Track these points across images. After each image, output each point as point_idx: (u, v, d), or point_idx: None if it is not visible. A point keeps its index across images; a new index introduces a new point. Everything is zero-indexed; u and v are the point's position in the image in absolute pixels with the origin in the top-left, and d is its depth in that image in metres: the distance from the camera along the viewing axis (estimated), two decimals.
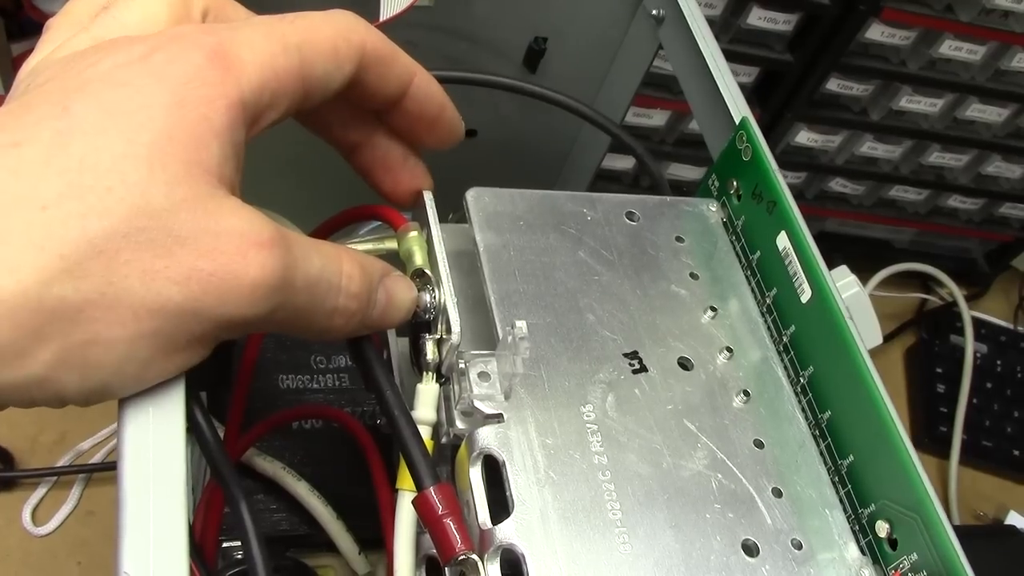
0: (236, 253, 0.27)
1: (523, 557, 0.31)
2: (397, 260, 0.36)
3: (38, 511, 0.70)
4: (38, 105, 0.27)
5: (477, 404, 0.34)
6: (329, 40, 0.31)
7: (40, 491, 0.71)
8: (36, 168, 0.25)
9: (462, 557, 0.30)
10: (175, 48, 0.28)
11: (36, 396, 0.26)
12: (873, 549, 0.36)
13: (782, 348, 0.40)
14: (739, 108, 0.45)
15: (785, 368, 0.40)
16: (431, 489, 0.31)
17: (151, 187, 0.26)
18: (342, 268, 0.31)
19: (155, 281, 0.26)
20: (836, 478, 0.37)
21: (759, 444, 0.36)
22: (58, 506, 0.71)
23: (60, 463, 0.73)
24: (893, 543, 0.35)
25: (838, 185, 0.95)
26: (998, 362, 1.01)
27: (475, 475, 0.33)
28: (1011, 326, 1.06)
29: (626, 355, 0.37)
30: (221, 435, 0.44)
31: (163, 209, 0.26)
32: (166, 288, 0.26)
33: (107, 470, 0.73)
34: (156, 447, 0.28)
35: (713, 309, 0.40)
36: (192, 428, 0.30)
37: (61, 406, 0.27)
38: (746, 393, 0.38)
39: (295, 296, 0.29)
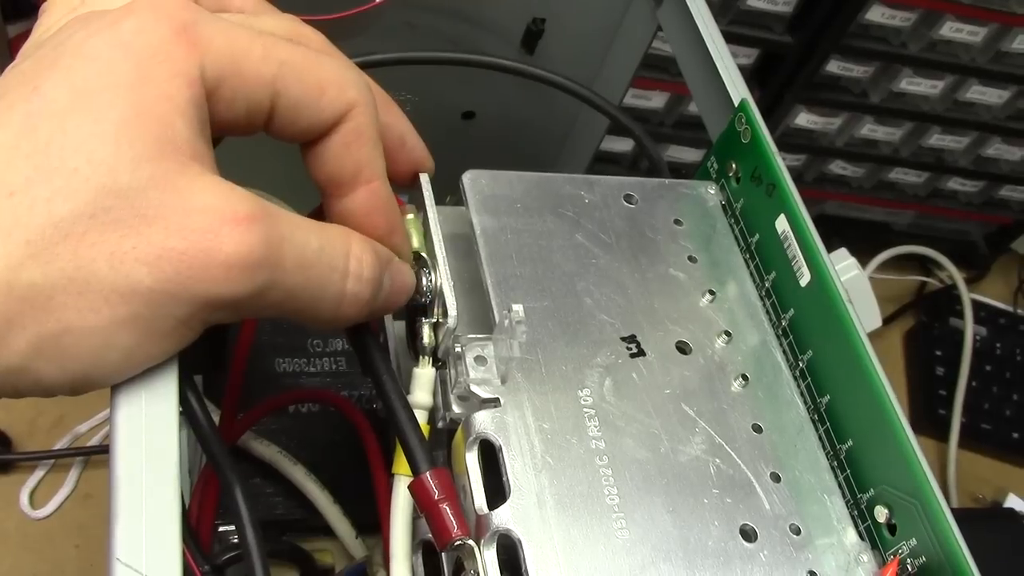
0: (207, 230, 0.26)
1: (520, 542, 0.31)
2: None
3: (36, 494, 0.70)
4: (12, 87, 0.27)
5: (473, 388, 0.34)
6: (319, 79, 0.30)
7: (38, 474, 0.71)
8: (5, 153, 0.25)
9: (458, 542, 0.30)
10: (145, 16, 0.27)
11: (18, 386, 0.26)
12: (872, 534, 0.36)
13: (781, 332, 0.40)
14: (738, 90, 0.45)
15: (784, 352, 0.39)
16: (427, 474, 0.31)
17: (117, 165, 0.25)
18: (350, 250, 0.30)
19: (123, 264, 0.25)
20: (835, 463, 0.37)
21: (757, 429, 0.36)
22: (56, 489, 0.71)
23: (58, 446, 0.72)
24: (892, 528, 0.35)
25: (838, 167, 0.95)
26: (997, 345, 1.01)
27: (471, 460, 0.33)
28: (1011, 309, 1.06)
29: (624, 339, 0.37)
30: (216, 419, 0.44)
31: (130, 188, 0.26)
32: (135, 270, 0.25)
33: (105, 453, 0.72)
34: (149, 431, 0.28)
35: (711, 292, 0.40)
36: (185, 412, 0.30)
37: (48, 396, 0.27)
38: (744, 377, 0.37)
39: (285, 276, 0.28)
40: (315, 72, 0.30)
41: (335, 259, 0.30)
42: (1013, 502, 0.90)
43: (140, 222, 0.26)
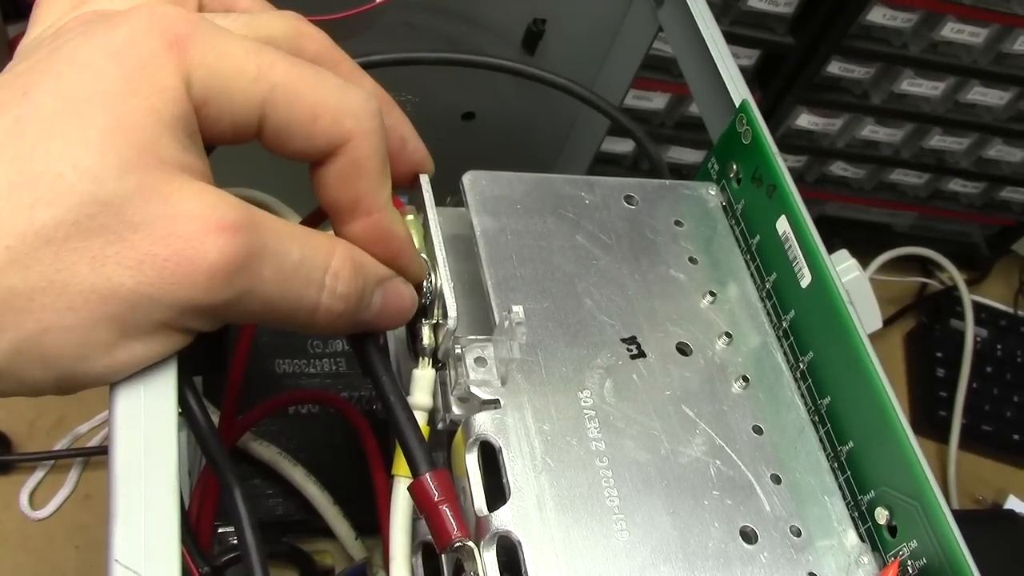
0: (193, 238, 0.26)
1: (519, 544, 0.31)
2: None
3: (36, 495, 0.70)
4: (4, 90, 0.27)
5: (473, 390, 0.34)
6: (314, 105, 0.29)
7: (38, 475, 0.71)
8: None
9: (458, 544, 0.30)
10: (141, 25, 0.27)
11: (4, 388, 0.26)
12: (872, 536, 0.36)
13: (781, 333, 0.40)
14: (739, 91, 0.44)
15: (784, 353, 0.39)
16: (427, 475, 0.31)
17: (103, 173, 0.25)
18: (329, 264, 0.30)
19: (105, 266, 0.25)
20: (835, 464, 0.37)
21: (758, 430, 0.36)
22: (56, 490, 0.70)
23: (58, 447, 0.72)
24: (892, 530, 0.35)
25: (839, 169, 0.95)
26: (998, 346, 1.00)
27: (471, 461, 0.33)
28: (1011, 310, 1.05)
29: (624, 340, 0.37)
30: (216, 420, 0.44)
31: (115, 195, 0.25)
32: (117, 273, 0.25)
33: (105, 454, 0.72)
34: (147, 432, 0.27)
35: (712, 294, 0.40)
36: (185, 413, 0.30)
37: (35, 394, 0.27)
38: (745, 379, 0.37)
39: (262, 286, 0.28)
40: (310, 97, 0.29)
41: (313, 272, 0.29)
42: (1013, 503, 0.90)
43: (125, 229, 0.25)
